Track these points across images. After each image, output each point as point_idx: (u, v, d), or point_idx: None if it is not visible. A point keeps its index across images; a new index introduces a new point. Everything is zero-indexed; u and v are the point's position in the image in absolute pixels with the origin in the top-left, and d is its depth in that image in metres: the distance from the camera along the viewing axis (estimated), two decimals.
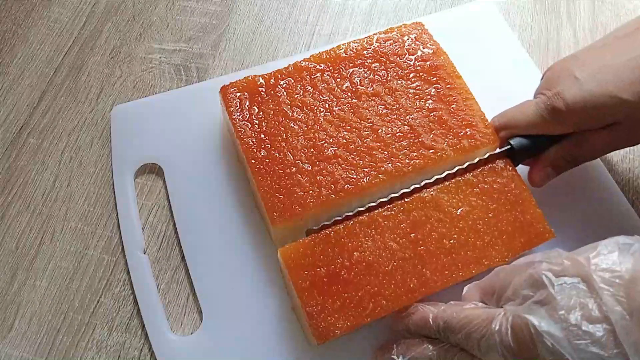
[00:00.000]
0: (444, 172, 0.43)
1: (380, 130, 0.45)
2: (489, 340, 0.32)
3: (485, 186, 0.43)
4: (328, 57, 0.48)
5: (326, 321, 0.38)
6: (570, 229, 0.45)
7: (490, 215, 0.42)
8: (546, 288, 0.31)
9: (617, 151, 0.51)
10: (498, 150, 0.45)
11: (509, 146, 0.44)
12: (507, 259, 0.40)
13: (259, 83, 0.47)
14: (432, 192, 0.43)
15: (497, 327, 0.32)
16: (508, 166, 0.44)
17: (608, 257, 0.32)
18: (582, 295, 0.30)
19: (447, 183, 0.43)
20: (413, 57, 0.48)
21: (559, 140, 0.43)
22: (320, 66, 0.47)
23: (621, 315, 0.29)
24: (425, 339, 0.37)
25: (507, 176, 0.43)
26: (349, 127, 0.45)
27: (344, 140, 0.44)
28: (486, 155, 0.44)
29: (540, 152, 0.44)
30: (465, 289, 0.39)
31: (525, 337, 0.31)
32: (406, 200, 0.42)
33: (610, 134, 0.41)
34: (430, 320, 0.36)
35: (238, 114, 0.45)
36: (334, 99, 0.46)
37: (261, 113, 0.46)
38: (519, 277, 0.34)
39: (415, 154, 0.44)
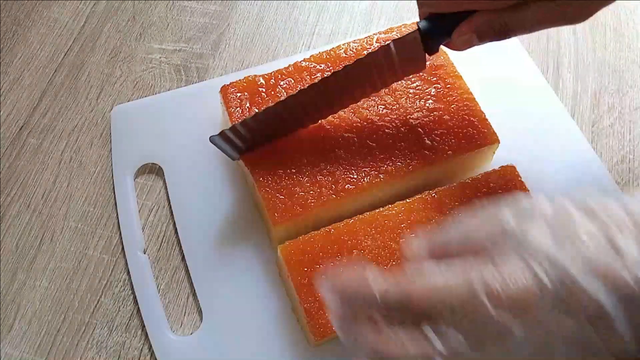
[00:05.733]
0: (444, 172, 0.43)
1: (380, 130, 0.45)
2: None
3: (490, 191, 0.43)
4: (328, 57, 0.48)
5: (324, 318, 0.38)
6: None
7: None
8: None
9: (616, 151, 0.51)
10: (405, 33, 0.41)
11: (417, 29, 0.40)
12: None
13: (259, 83, 0.47)
14: (434, 194, 0.43)
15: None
16: (514, 172, 0.43)
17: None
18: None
19: (450, 185, 0.43)
20: None
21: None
22: (320, 66, 0.47)
23: None
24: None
25: (511, 182, 0.43)
26: (349, 127, 0.45)
27: (344, 141, 0.44)
28: (394, 33, 0.40)
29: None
30: (405, 246, 0.31)
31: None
32: (408, 200, 0.42)
33: (551, 8, 0.36)
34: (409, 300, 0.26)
35: (238, 114, 0.45)
36: None
37: None
38: (489, 227, 0.28)
39: (415, 153, 0.44)
